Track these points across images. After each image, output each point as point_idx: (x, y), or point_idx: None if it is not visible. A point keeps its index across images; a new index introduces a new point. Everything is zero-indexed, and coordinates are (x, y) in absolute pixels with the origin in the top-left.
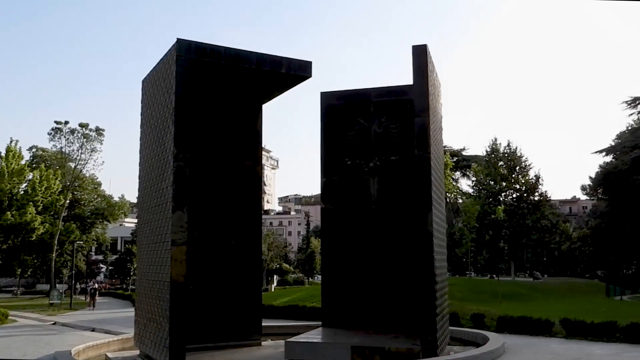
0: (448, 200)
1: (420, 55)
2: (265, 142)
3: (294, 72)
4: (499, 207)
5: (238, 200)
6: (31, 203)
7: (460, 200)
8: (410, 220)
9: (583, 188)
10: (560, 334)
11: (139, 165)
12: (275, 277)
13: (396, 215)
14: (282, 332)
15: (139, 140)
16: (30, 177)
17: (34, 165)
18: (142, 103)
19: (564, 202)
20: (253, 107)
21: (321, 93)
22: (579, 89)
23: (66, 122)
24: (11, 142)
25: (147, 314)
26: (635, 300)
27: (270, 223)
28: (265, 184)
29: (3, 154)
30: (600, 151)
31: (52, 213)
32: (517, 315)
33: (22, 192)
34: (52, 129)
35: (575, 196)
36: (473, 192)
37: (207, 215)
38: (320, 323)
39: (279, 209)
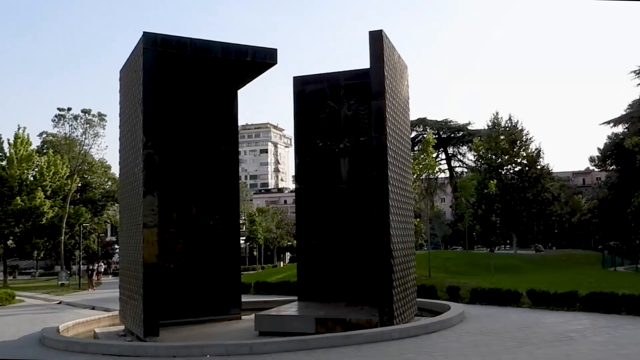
0: (432, 177)
1: (376, 41)
2: (278, 121)
3: (260, 59)
4: (492, 181)
5: (216, 183)
6: (40, 188)
7: (466, 175)
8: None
9: (591, 159)
10: (527, 304)
11: (119, 153)
12: (287, 254)
13: (364, 194)
14: (268, 307)
15: (118, 128)
16: (39, 162)
17: (44, 150)
18: (119, 93)
19: (577, 173)
20: (228, 94)
21: (294, 77)
22: (590, 61)
23: (69, 109)
24: (19, 129)
25: (127, 292)
26: (629, 271)
27: (285, 201)
28: (279, 162)
29: (12, 141)
30: (609, 122)
31: (60, 197)
32: (489, 287)
33: (31, 178)
34: (56, 116)
35: (588, 168)
36: (474, 166)
37: (186, 198)
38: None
39: (294, 186)
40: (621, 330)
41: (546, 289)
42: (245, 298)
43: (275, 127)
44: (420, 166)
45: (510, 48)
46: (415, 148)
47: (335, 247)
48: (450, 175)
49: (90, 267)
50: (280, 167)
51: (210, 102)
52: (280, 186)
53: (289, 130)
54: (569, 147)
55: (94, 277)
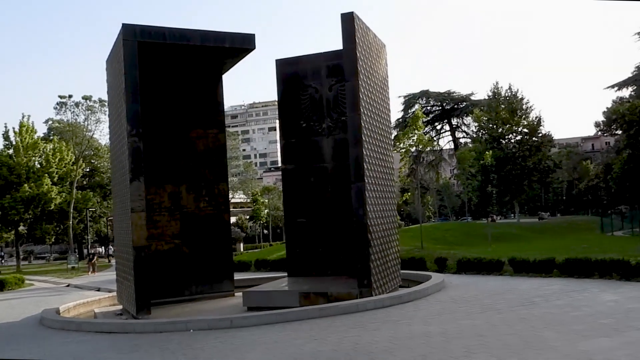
0: (435, 149)
1: (348, 22)
2: None
3: (238, 45)
4: (487, 152)
5: (204, 166)
6: (46, 175)
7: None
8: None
9: (597, 125)
10: (509, 272)
11: (109, 141)
12: None
13: (347, 171)
14: (263, 283)
15: (108, 117)
16: (44, 150)
17: (51, 137)
18: (106, 83)
19: (586, 139)
20: (212, 79)
21: (276, 60)
22: (596, 23)
23: (70, 96)
24: (23, 117)
25: (122, 273)
26: (626, 235)
27: None
28: None
29: (17, 130)
30: (613, 86)
31: (67, 183)
32: (474, 257)
33: (38, 165)
34: (58, 103)
35: (597, 133)
36: (475, 137)
37: (176, 181)
38: None
39: None
40: (584, 294)
41: (527, 256)
42: (245, 275)
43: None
44: (410, 141)
45: (515, 13)
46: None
47: (321, 224)
48: (454, 147)
49: (91, 252)
50: None
51: (195, 88)
52: None
53: None
54: (577, 112)
55: (95, 261)
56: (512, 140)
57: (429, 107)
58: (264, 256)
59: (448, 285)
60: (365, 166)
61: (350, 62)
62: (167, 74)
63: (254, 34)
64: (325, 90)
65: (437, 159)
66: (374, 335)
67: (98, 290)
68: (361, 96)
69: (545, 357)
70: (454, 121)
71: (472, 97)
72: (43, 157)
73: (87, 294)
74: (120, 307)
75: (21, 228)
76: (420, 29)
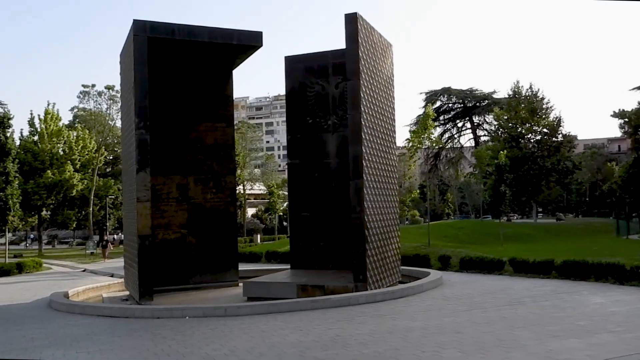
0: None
1: (352, 23)
2: None
3: (245, 42)
4: (502, 152)
5: (212, 158)
6: (69, 162)
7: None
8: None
9: (621, 126)
10: (509, 271)
11: (121, 132)
12: None
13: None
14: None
15: (120, 110)
16: (67, 137)
17: (75, 125)
18: (120, 76)
19: (612, 140)
20: (222, 74)
21: (285, 57)
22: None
23: (93, 85)
24: (49, 105)
25: (128, 260)
26: None
27: None
28: None
29: (42, 117)
30: (638, 87)
31: (89, 170)
32: (476, 256)
33: (61, 152)
34: (81, 92)
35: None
36: (494, 135)
37: (185, 172)
38: None
39: None
40: (574, 296)
41: (527, 257)
42: (254, 266)
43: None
44: (420, 139)
45: (543, 10)
46: (441, 118)
47: (324, 218)
48: (475, 144)
49: (105, 238)
50: None
51: (205, 83)
52: None
53: None
54: (605, 113)
55: (108, 248)
56: (532, 140)
57: (450, 104)
58: (275, 248)
59: (445, 282)
60: (365, 164)
61: (352, 62)
62: (178, 68)
63: (261, 32)
64: (332, 87)
65: (457, 156)
66: (357, 328)
67: (111, 276)
68: (363, 95)
69: (511, 355)
70: (476, 119)
71: (494, 95)
72: (66, 144)
73: (100, 279)
74: (128, 292)
75: (44, 213)
76: (446, 24)
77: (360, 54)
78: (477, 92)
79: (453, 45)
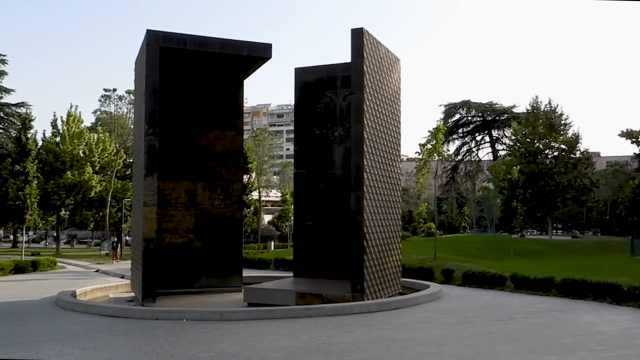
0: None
1: (357, 37)
2: None
3: (255, 54)
4: (514, 167)
5: (221, 165)
6: (89, 163)
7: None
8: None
9: None
10: (510, 287)
11: (133, 138)
12: None
13: None
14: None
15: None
16: (88, 139)
17: (98, 127)
18: (134, 83)
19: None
20: (233, 83)
21: (295, 69)
22: None
23: (114, 90)
24: (71, 107)
25: (135, 262)
26: None
27: None
28: None
29: (65, 119)
30: None
31: (108, 172)
32: (478, 271)
33: (82, 154)
34: (102, 96)
35: None
36: (510, 151)
37: (193, 178)
38: None
39: None
40: (567, 314)
41: (528, 274)
42: (261, 273)
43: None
44: (427, 151)
45: (566, 26)
46: (459, 131)
47: (328, 228)
48: (493, 159)
49: (115, 240)
50: None
51: (216, 91)
52: None
53: None
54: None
55: (118, 250)
56: (549, 156)
57: (469, 117)
58: (284, 256)
59: (444, 296)
60: (366, 176)
61: (356, 76)
62: (190, 76)
63: (270, 44)
64: (340, 99)
65: (475, 169)
66: (344, 337)
67: (122, 277)
68: (367, 108)
69: None
70: (495, 133)
71: (514, 110)
72: (87, 146)
73: (110, 279)
74: (134, 294)
75: (63, 213)
76: (468, 36)
77: (365, 68)
78: (496, 105)
79: (474, 58)
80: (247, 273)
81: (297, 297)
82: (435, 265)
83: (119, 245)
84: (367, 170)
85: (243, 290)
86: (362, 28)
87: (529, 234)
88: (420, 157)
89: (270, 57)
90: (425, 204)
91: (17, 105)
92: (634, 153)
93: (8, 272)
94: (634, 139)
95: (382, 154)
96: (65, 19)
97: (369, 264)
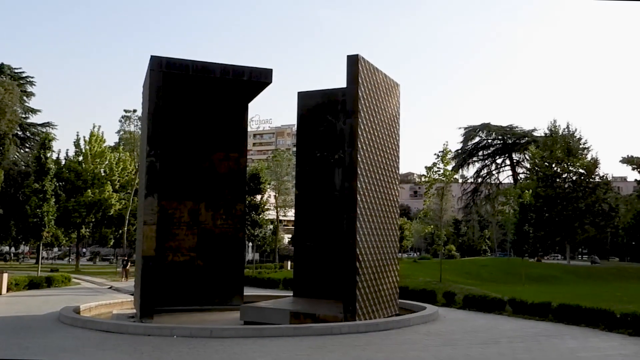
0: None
1: (353, 64)
2: None
3: (255, 79)
4: (527, 191)
5: (224, 185)
6: (109, 182)
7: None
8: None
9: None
10: (508, 312)
11: (139, 159)
12: None
13: None
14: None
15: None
16: (109, 159)
17: (120, 146)
18: (142, 106)
19: None
20: (238, 107)
21: (298, 92)
22: None
23: (134, 110)
24: (94, 127)
25: (137, 280)
26: None
27: None
28: None
29: (87, 139)
30: None
31: (128, 191)
32: (478, 295)
33: (103, 173)
34: (122, 117)
35: None
36: (528, 175)
37: (197, 198)
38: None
39: None
40: (553, 340)
41: (526, 299)
42: (266, 292)
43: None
44: (434, 175)
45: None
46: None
47: (327, 249)
48: (514, 182)
49: (125, 258)
50: None
51: (221, 114)
52: None
53: None
54: None
55: (128, 268)
56: (567, 180)
57: (489, 140)
58: (291, 275)
59: (439, 318)
60: (360, 198)
61: (351, 101)
62: (195, 100)
63: (271, 69)
64: (340, 123)
65: (495, 193)
66: (323, 356)
67: (132, 295)
68: (361, 133)
69: None
70: (515, 156)
71: (534, 133)
72: (107, 165)
73: (119, 296)
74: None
75: (83, 230)
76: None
77: (360, 94)
78: (517, 129)
79: (495, 81)
80: (254, 292)
81: (291, 316)
82: (440, 288)
83: (129, 262)
84: (361, 192)
85: (240, 309)
86: (357, 55)
87: (552, 258)
88: (427, 179)
89: (271, 82)
90: (430, 226)
91: (43, 125)
92: (635, 180)
93: (22, 287)
94: (634, 166)
95: (377, 177)
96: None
97: (361, 285)
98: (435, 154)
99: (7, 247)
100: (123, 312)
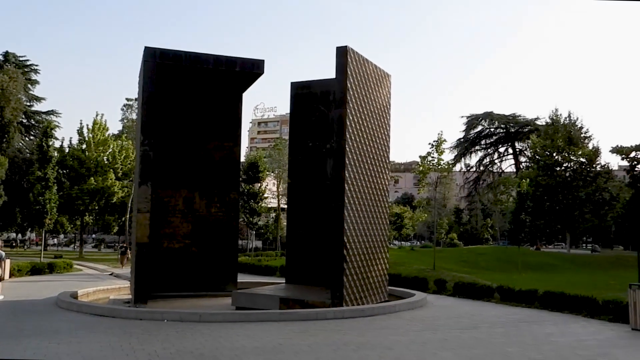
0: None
1: (341, 56)
2: None
3: (247, 69)
4: (524, 180)
5: (219, 174)
6: (112, 170)
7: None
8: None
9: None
10: (496, 299)
11: (135, 148)
12: None
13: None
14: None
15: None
16: (112, 146)
17: (124, 134)
18: (138, 95)
19: None
20: (232, 96)
21: (291, 83)
22: None
23: (136, 99)
24: (97, 115)
25: (132, 266)
26: None
27: None
28: None
29: (90, 127)
30: None
31: (130, 179)
32: (468, 282)
33: (105, 161)
34: (124, 105)
35: None
36: (529, 164)
37: (192, 187)
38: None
39: None
40: (533, 325)
41: (513, 286)
42: (262, 279)
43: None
44: (428, 165)
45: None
46: (482, 142)
47: (318, 236)
48: (516, 171)
49: (124, 245)
50: None
51: (215, 104)
52: None
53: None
54: None
55: (127, 255)
56: (568, 169)
57: (492, 129)
58: None
59: (427, 305)
60: (347, 188)
61: (340, 92)
62: (190, 90)
63: (263, 60)
64: (332, 113)
65: (497, 181)
66: (303, 339)
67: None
68: (350, 123)
69: None
70: (518, 145)
71: (537, 122)
72: (110, 153)
73: (119, 282)
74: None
75: (87, 217)
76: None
77: (349, 85)
78: (520, 117)
79: (498, 69)
80: (251, 279)
81: (280, 302)
82: (433, 275)
83: (127, 250)
84: (349, 182)
85: (232, 294)
86: (346, 46)
87: (557, 247)
88: (421, 168)
89: (263, 73)
90: (425, 215)
91: (47, 113)
92: (624, 169)
93: (25, 273)
94: (623, 155)
95: (367, 167)
96: (98, 29)
97: (349, 272)
98: (429, 144)
99: (14, 234)
100: (120, 298)
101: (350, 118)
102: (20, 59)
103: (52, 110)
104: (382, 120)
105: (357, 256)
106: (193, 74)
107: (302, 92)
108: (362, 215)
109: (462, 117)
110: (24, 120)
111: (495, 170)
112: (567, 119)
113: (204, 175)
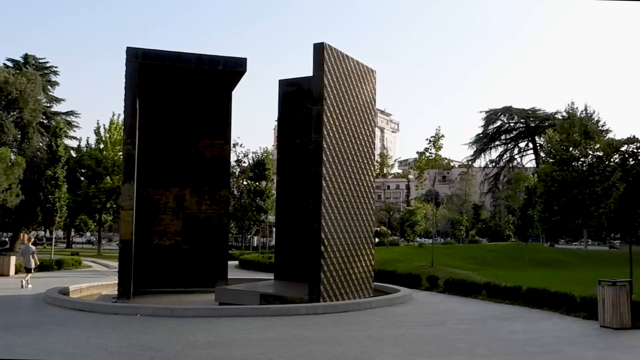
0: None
1: (319, 52)
2: (386, 106)
3: (230, 68)
4: (531, 175)
5: (208, 172)
6: None
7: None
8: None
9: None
10: (483, 295)
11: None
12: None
13: None
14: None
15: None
16: None
17: None
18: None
19: None
20: (221, 95)
21: (279, 80)
22: None
23: None
24: (113, 115)
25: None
26: None
27: (388, 186)
28: (384, 147)
29: (107, 127)
30: None
31: None
32: (458, 279)
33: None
34: None
35: None
36: (545, 158)
37: (182, 184)
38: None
39: (399, 171)
40: (504, 322)
41: (500, 283)
42: (253, 275)
43: (383, 112)
44: (425, 160)
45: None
46: (502, 137)
47: (305, 233)
48: (537, 166)
49: None
50: (386, 152)
51: (205, 103)
52: (385, 172)
53: (397, 115)
54: None
55: None
56: (585, 164)
57: (511, 124)
58: None
59: (410, 301)
60: (325, 184)
61: (317, 89)
62: (180, 89)
63: (245, 58)
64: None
65: (516, 177)
66: (260, 334)
67: None
68: (328, 120)
69: None
70: (539, 140)
71: (558, 116)
72: None
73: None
74: None
75: (105, 216)
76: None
77: (327, 81)
78: (539, 112)
79: (517, 63)
80: (244, 275)
81: (260, 298)
82: (429, 272)
83: None
84: (327, 178)
85: (215, 290)
86: (323, 43)
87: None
88: (418, 164)
89: (246, 71)
90: (423, 211)
91: (66, 113)
92: (614, 162)
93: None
94: (614, 149)
95: (348, 163)
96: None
97: (327, 268)
98: (427, 139)
99: (42, 232)
100: (110, 294)
101: (329, 114)
102: (40, 61)
103: (71, 111)
104: (366, 116)
105: (337, 252)
106: (177, 73)
107: (289, 89)
108: (342, 212)
109: (481, 112)
110: (44, 121)
111: (516, 166)
112: (584, 112)
113: (195, 173)
